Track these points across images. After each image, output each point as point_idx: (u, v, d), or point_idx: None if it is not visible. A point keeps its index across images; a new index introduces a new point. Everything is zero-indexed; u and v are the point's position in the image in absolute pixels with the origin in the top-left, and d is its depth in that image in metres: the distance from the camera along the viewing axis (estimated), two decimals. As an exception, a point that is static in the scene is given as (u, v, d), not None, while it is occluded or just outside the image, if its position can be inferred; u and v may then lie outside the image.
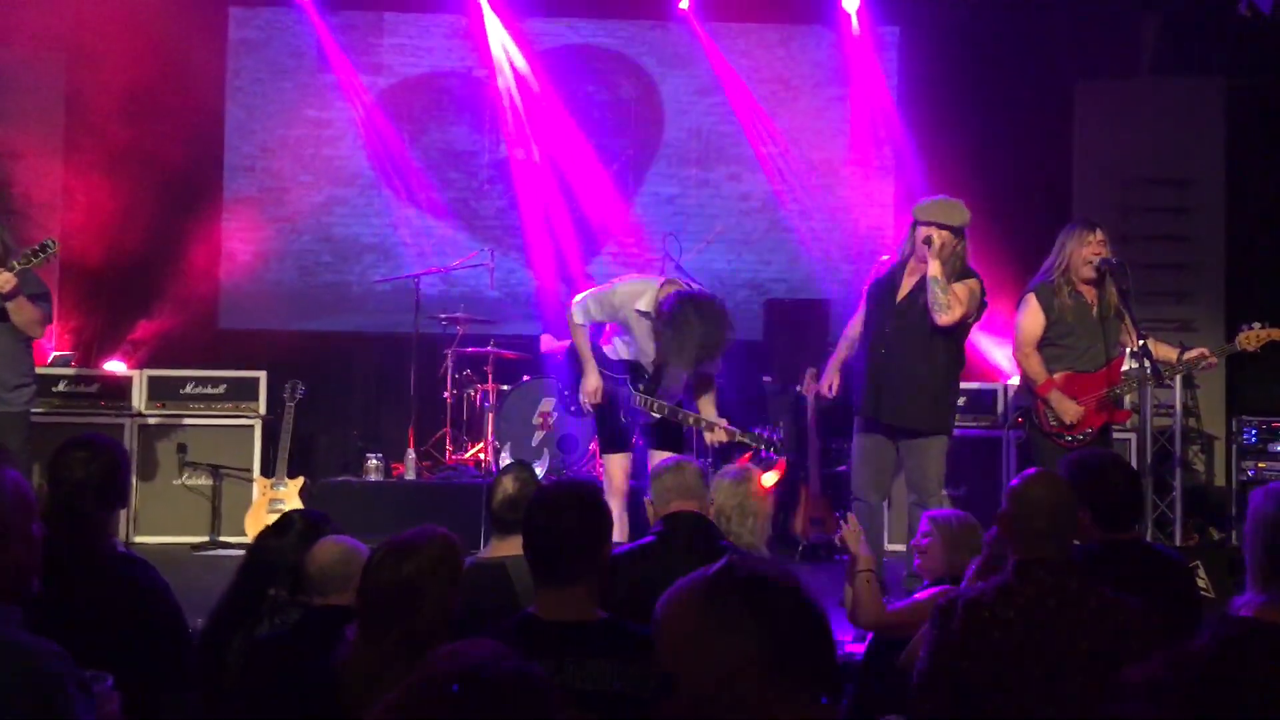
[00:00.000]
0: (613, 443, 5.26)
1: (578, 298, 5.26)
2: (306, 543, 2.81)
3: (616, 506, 5.01)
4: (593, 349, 5.22)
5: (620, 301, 5.06)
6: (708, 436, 5.14)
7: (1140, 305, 5.25)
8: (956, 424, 7.10)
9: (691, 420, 5.14)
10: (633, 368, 5.17)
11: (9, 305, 5.17)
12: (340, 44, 8.39)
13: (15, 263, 5.11)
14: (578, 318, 5.17)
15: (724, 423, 5.08)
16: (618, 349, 5.22)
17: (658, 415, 5.10)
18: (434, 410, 7.49)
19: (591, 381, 5.15)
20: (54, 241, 5.26)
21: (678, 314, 4.77)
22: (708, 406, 5.18)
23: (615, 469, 5.16)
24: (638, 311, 4.99)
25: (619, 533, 4.54)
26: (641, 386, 5.13)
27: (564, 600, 2.35)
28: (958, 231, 4.97)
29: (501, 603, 2.95)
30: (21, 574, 1.93)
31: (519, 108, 8.56)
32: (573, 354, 5.41)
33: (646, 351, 5.12)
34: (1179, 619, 2.84)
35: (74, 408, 6.98)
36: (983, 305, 5.12)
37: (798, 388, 6.88)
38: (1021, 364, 5.25)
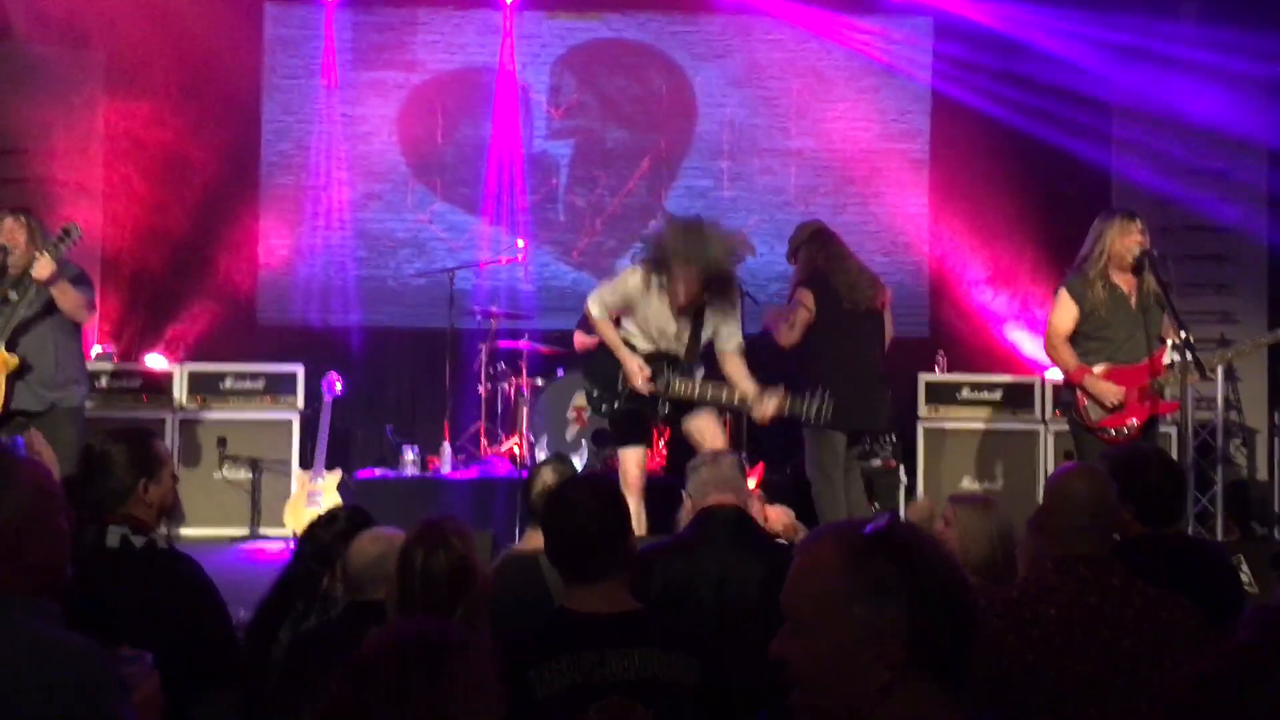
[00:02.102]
0: (628, 436, 5.15)
1: (592, 293, 5.19)
2: (348, 538, 2.84)
3: (633, 500, 4.89)
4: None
5: (632, 285, 4.94)
6: (758, 413, 4.91)
7: (1181, 297, 5.20)
8: (994, 417, 7.11)
9: (737, 399, 4.94)
10: (652, 358, 5.03)
11: (53, 290, 5.23)
12: (375, 40, 8.45)
13: (46, 248, 5.16)
14: (595, 312, 5.07)
15: (773, 393, 4.86)
16: (627, 330, 5.09)
17: (697, 398, 4.94)
18: (469, 404, 7.53)
19: (632, 365, 4.96)
20: (75, 226, 5.27)
21: (658, 228, 4.78)
22: (744, 381, 4.96)
23: (631, 463, 5.04)
24: (644, 266, 4.88)
25: (636, 528, 4.50)
26: (666, 374, 4.97)
27: (596, 595, 2.36)
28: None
29: (535, 595, 2.97)
30: (52, 569, 1.90)
31: (551, 102, 8.58)
32: (595, 354, 5.32)
33: (665, 333, 4.98)
34: (1223, 612, 2.80)
35: (116, 403, 7.08)
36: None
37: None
38: (1051, 356, 5.25)
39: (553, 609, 2.46)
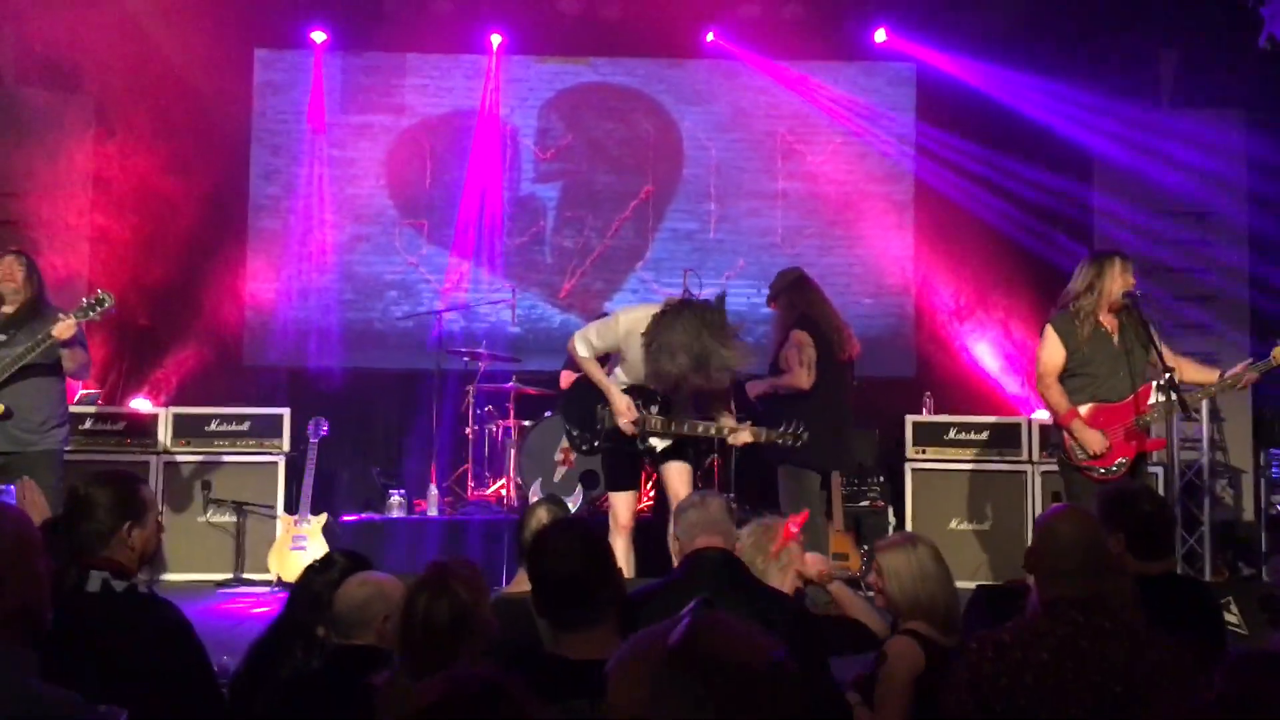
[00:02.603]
0: (619, 480, 5.17)
1: (578, 333, 5.17)
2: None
3: (622, 544, 4.94)
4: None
5: (624, 330, 4.95)
6: (732, 440, 5.11)
7: (1164, 337, 5.22)
8: (981, 458, 7.13)
9: (714, 431, 5.09)
10: (639, 391, 5.04)
11: (64, 350, 5.23)
12: (363, 84, 8.51)
13: (73, 314, 5.18)
14: (582, 351, 5.05)
15: (748, 425, 5.07)
16: (620, 378, 5.10)
17: (675, 433, 4.99)
18: (456, 446, 7.51)
19: (620, 402, 4.98)
20: (110, 296, 5.30)
21: (665, 316, 4.72)
22: (724, 417, 5.14)
23: (621, 506, 5.06)
24: (642, 337, 4.84)
25: (625, 570, 4.48)
26: (654, 408, 5.01)
27: (587, 642, 2.33)
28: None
29: (527, 638, 2.94)
30: (30, 615, 1.87)
31: (539, 145, 8.64)
32: (572, 393, 5.34)
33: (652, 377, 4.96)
34: (1206, 653, 2.80)
35: (100, 445, 7.02)
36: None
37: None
38: (1042, 395, 5.25)
39: (543, 655, 2.42)
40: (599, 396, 5.09)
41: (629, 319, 4.97)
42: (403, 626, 2.36)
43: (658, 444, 5.06)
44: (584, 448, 5.27)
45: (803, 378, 5.57)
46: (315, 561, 3.11)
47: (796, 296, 5.81)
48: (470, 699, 1.52)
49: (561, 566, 2.36)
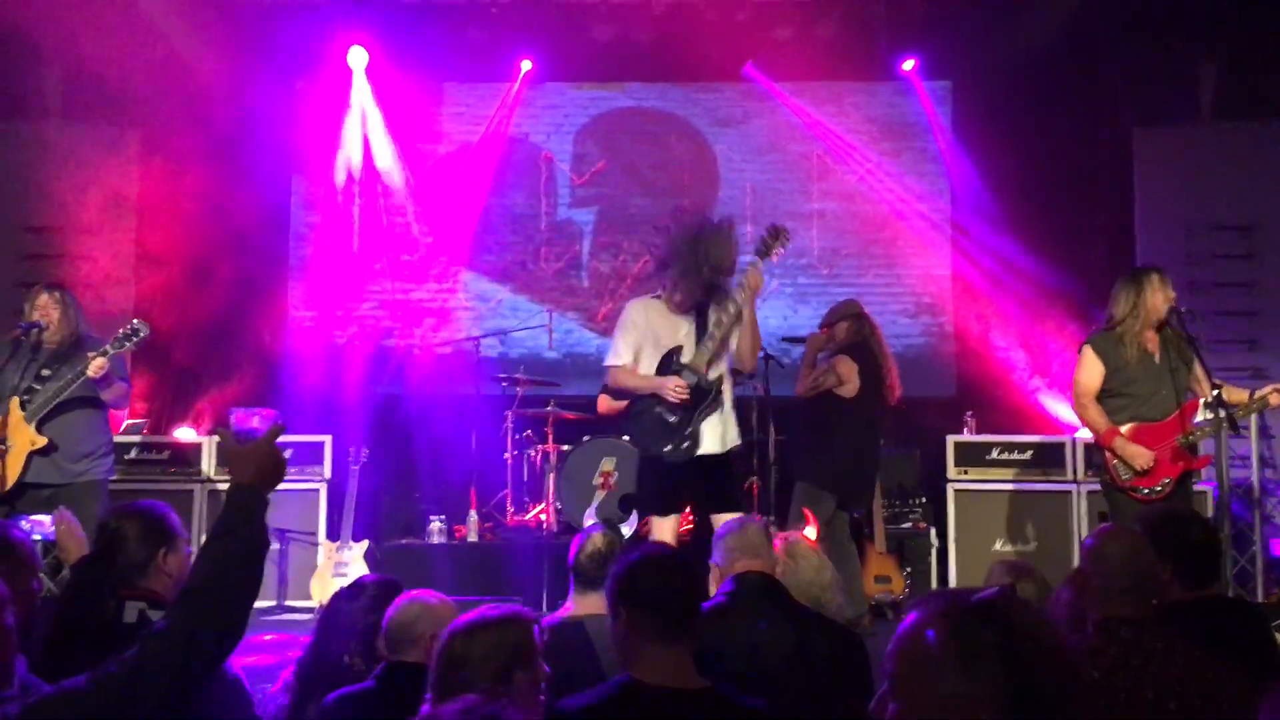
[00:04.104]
0: (664, 504, 5.02)
1: (606, 357, 5.12)
2: (379, 608, 2.82)
3: None
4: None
5: (633, 312, 5.00)
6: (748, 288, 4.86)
7: (1210, 353, 5.15)
8: (1024, 478, 7.05)
9: (733, 308, 4.86)
10: (662, 361, 4.97)
11: (103, 385, 5.31)
12: (401, 113, 8.60)
13: (109, 346, 5.25)
14: (617, 363, 5.00)
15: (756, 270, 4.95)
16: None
17: (714, 349, 4.89)
18: (495, 471, 7.52)
19: (664, 382, 4.84)
20: (145, 325, 5.35)
21: (681, 224, 4.86)
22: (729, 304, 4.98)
23: (666, 532, 4.95)
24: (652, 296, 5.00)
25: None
26: (676, 364, 4.92)
27: (670, 661, 2.34)
28: None
29: (585, 664, 2.93)
30: None
31: (575, 170, 8.70)
32: (629, 418, 5.15)
33: (675, 338, 4.96)
34: (1259, 675, 2.73)
35: (145, 474, 7.11)
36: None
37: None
38: (1080, 416, 5.20)
39: (619, 680, 2.39)
40: (651, 402, 4.97)
41: (633, 302, 5.11)
42: (446, 658, 2.35)
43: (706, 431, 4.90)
44: (667, 449, 4.97)
45: (803, 382, 5.91)
46: (342, 589, 3.11)
47: (861, 326, 6.02)
48: None
49: (672, 582, 2.43)
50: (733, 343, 4.94)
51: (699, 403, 4.87)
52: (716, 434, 4.91)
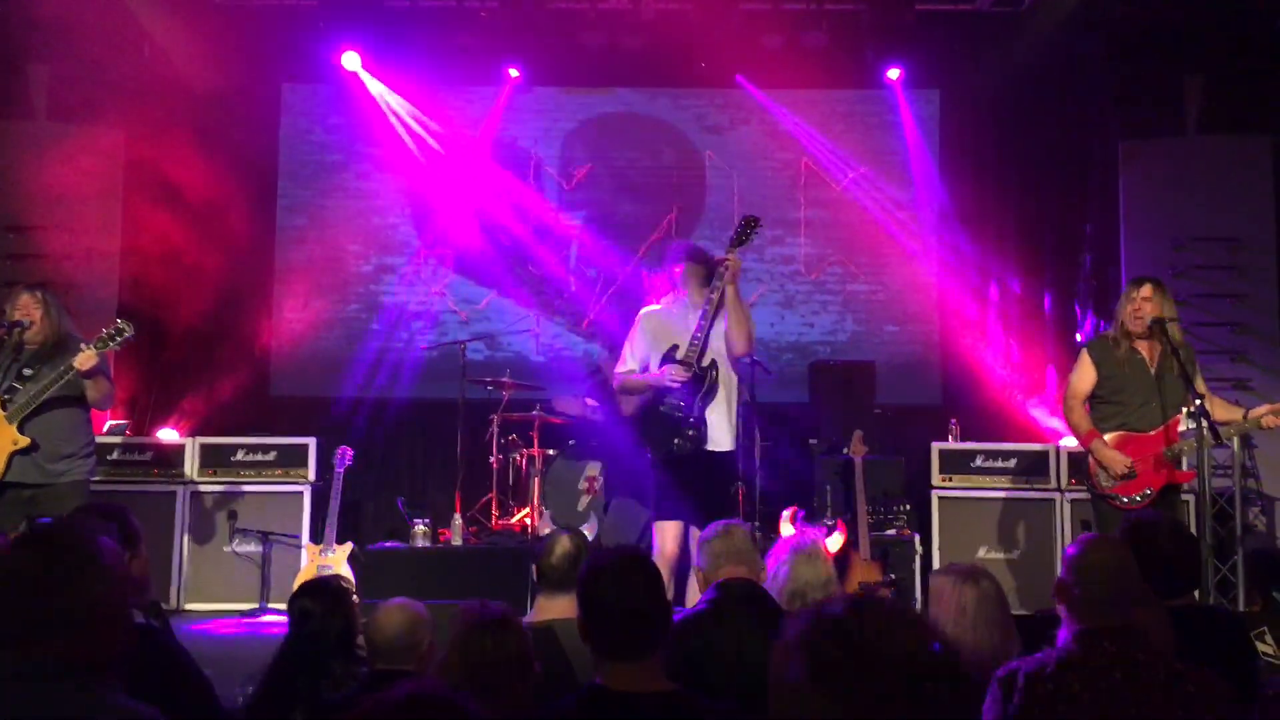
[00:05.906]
0: (668, 509, 5.08)
1: (617, 368, 5.31)
2: (340, 609, 2.81)
3: (665, 575, 4.92)
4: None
5: (650, 320, 5.22)
6: (730, 270, 5.09)
7: (1197, 367, 5.16)
8: (1009, 486, 7.07)
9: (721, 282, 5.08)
10: (662, 359, 5.13)
11: (88, 382, 5.26)
12: (390, 117, 8.58)
13: (93, 344, 5.21)
14: (620, 368, 5.25)
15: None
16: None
17: (694, 368, 5.02)
18: (480, 475, 7.49)
19: (665, 370, 5.02)
20: (130, 325, 5.30)
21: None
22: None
23: (668, 537, 5.00)
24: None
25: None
26: (677, 357, 5.08)
27: (637, 673, 2.31)
28: None
29: (555, 668, 2.91)
30: (117, 646, 1.96)
31: (563, 175, 8.69)
32: (638, 422, 5.19)
33: (683, 336, 5.12)
34: (1237, 684, 2.74)
35: (127, 476, 7.07)
36: None
37: (845, 450, 6.82)
38: (1066, 417, 5.26)
39: (587, 686, 2.37)
40: (656, 401, 5.06)
41: (642, 312, 5.32)
42: (461, 662, 2.35)
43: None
44: (676, 444, 5.07)
45: None
46: (301, 587, 3.08)
47: None
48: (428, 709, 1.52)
49: (627, 599, 2.34)
50: (720, 325, 5.07)
51: (697, 388, 5.00)
52: (723, 427, 5.04)
